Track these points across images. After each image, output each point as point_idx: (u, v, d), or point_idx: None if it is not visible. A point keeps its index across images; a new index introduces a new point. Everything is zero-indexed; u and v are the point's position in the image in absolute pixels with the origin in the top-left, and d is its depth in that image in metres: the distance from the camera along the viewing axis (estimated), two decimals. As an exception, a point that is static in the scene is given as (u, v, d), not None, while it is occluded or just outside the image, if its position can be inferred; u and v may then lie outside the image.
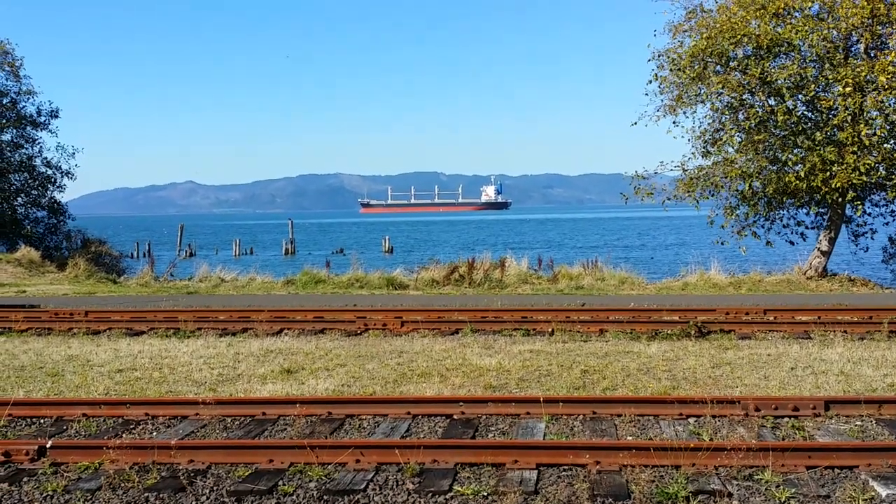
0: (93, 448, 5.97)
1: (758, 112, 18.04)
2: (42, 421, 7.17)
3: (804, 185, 18.01)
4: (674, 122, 19.97)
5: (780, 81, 17.75)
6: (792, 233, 20.08)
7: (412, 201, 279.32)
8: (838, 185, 17.51)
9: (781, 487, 5.10)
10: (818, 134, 17.71)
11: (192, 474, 5.60)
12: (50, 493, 5.35)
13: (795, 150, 18.21)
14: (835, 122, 17.56)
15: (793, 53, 17.98)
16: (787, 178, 17.97)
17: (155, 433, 6.77)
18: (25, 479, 5.62)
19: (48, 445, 6.00)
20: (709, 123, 19.38)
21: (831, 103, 17.73)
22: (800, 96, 18.29)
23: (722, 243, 19.95)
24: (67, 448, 6.02)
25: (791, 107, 18.12)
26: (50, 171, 30.75)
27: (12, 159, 30.21)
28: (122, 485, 5.41)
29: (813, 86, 17.73)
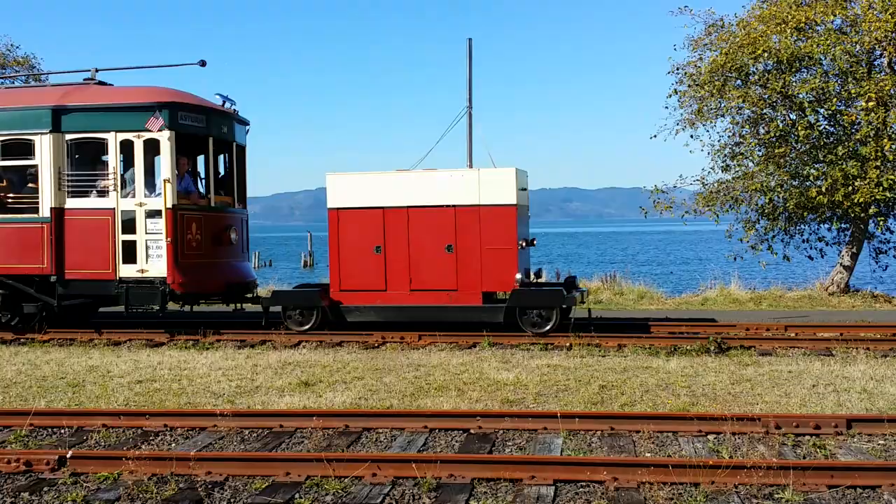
0: (112, 459, 6.02)
1: (778, 126, 17.93)
2: (62, 431, 7.24)
3: (826, 200, 17.85)
4: (692, 136, 19.83)
5: (801, 95, 17.64)
6: (811, 248, 19.89)
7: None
8: (861, 200, 17.33)
9: (802, 507, 5.04)
10: (840, 148, 17.56)
11: (209, 486, 5.62)
12: (70, 502, 5.40)
13: (817, 165, 18.06)
14: (857, 137, 17.40)
15: (814, 67, 17.87)
16: (809, 193, 17.82)
17: (173, 444, 6.81)
18: (46, 488, 5.67)
19: (68, 455, 6.06)
20: (728, 137, 19.29)
21: (854, 118, 17.58)
22: (821, 110, 18.14)
23: (735, 259, 19.78)
24: (87, 458, 6.07)
25: (813, 121, 17.99)
26: None
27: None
28: (141, 495, 5.44)
29: (835, 100, 17.59)
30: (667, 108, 19.75)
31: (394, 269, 12.45)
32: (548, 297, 12.06)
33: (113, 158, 12.75)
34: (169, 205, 12.34)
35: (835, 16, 18.12)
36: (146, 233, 12.49)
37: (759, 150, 18.76)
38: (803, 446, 6.40)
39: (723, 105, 18.60)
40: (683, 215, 19.81)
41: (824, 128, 18.45)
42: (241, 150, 14.17)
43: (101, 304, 14.31)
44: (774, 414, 6.98)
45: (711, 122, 19.18)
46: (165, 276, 12.31)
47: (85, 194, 12.78)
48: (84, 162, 13.16)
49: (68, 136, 12.70)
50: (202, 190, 13.53)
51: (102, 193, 12.72)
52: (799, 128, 17.75)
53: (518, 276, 12.11)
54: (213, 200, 13.30)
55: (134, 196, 12.60)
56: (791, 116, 18.22)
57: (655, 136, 19.51)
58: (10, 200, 12.99)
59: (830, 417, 6.81)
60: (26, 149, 12.82)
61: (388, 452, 6.36)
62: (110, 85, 13.74)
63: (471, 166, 15.39)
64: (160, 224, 12.41)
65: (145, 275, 12.44)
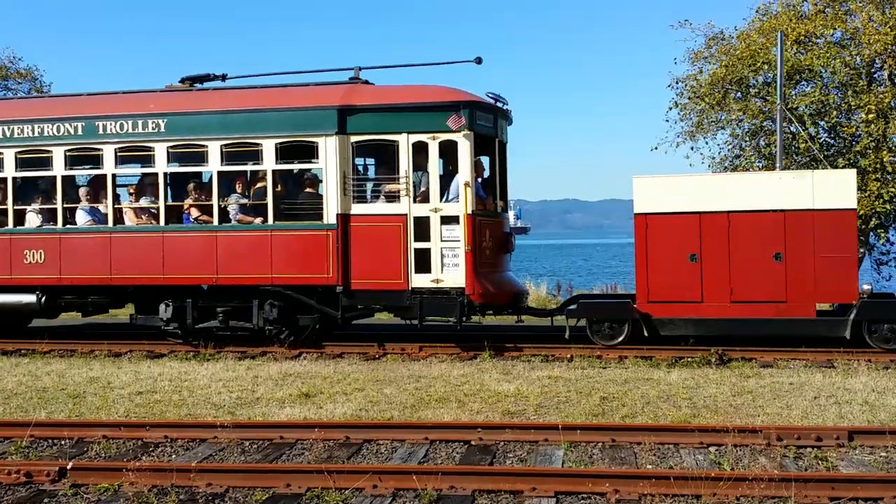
0: (113, 470, 6.02)
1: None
2: (63, 442, 7.23)
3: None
4: (692, 149, 19.91)
5: (801, 108, 17.70)
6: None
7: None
8: (861, 212, 17.35)
9: (804, 519, 5.02)
10: (840, 160, 17.59)
11: (210, 498, 5.61)
12: (69, 514, 5.38)
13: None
14: (857, 149, 17.45)
15: (814, 80, 17.94)
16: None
17: (174, 456, 6.80)
18: (46, 500, 5.67)
19: (69, 467, 6.06)
20: (728, 150, 19.34)
21: (854, 130, 17.63)
22: (822, 123, 18.21)
23: None
24: (88, 470, 6.07)
25: (813, 133, 18.05)
26: None
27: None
28: (141, 507, 5.43)
29: (835, 112, 17.65)
30: (667, 120, 19.83)
31: (711, 279, 11.43)
32: None
33: (404, 161, 11.75)
34: (469, 210, 11.47)
35: (834, 29, 18.20)
36: (441, 240, 11.60)
37: (759, 163, 18.80)
38: (805, 458, 6.39)
39: (723, 118, 18.67)
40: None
41: (824, 140, 18.50)
42: (505, 150, 13.16)
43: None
44: (776, 426, 6.97)
45: (712, 134, 19.25)
46: (463, 286, 11.44)
47: (372, 199, 12.03)
48: (368, 165, 12.68)
49: (354, 138, 11.89)
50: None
51: (392, 198, 11.86)
52: (799, 140, 17.80)
53: (867, 286, 11.40)
54: (498, 206, 12.61)
55: (428, 201, 11.74)
56: (791, 129, 18.26)
57: (656, 148, 19.58)
58: (286, 207, 12.21)
59: (832, 429, 6.79)
60: (308, 151, 12.07)
61: (388, 464, 6.35)
62: (372, 84, 12.83)
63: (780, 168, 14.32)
64: (457, 231, 11.55)
65: (440, 285, 11.56)
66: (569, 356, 11.23)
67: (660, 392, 8.95)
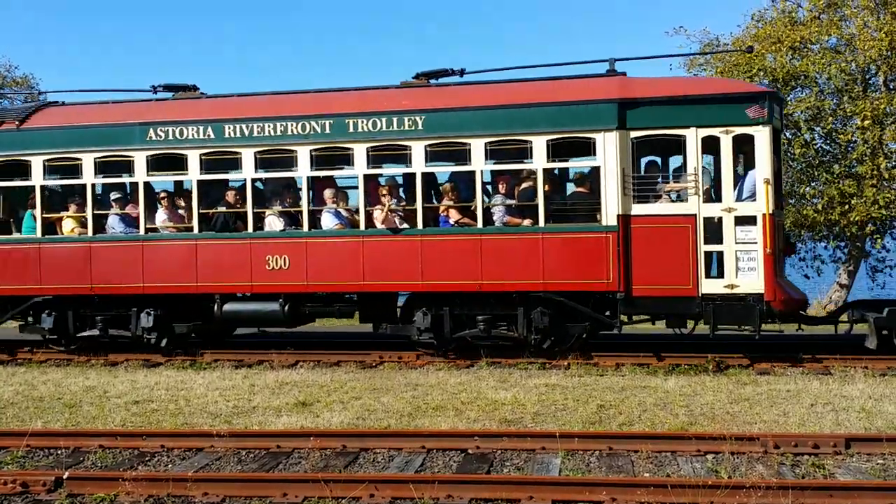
0: (109, 480, 6.01)
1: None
2: (59, 452, 7.21)
3: (822, 219, 17.91)
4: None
5: (797, 114, 17.76)
6: (808, 267, 19.93)
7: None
8: (857, 218, 17.40)
9: (801, 527, 5.02)
10: (836, 167, 17.66)
11: (206, 508, 5.60)
12: (65, 525, 5.37)
13: (813, 184, 18.16)
14: (853, 156, 17.51)
15: (810, 86, 18.01)
16: (806, 212, 17.89)
17: (170, 465, 6.79)
18: (41, 510, 5.65)
19: (65, 477, 6.04)
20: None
21: (850, 136, 17.69)
22: (817, 129, 18.27)
23: None
24: (84, 479, 6.06)
25: (808, 139, 18.11)
26: None
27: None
28: (137, 518, 5.42)
29: (831, 118, 17.72)
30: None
31: None
32: None
33: (692, 157, 10.85)
34: (769, 210, 10.54)
35: (830, 35, 18.28)
36: (735, 242, 10.69)
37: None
38: (802, 466, 6.39)
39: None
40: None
41: (820, 146, 18.57)
42: (780, 142, 12.13)
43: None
44: (773, 433, 6.97)
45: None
46: (761, 291, 10.54)
47: (653, 199, 11.07)
48: (644, 161, 11.70)
49: (634, 133, 10.96)
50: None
51: (675, 197, 11.03)
52: (795, 146, 17.86)
53: None
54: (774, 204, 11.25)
55: (718, 200, 10.88)
56: (787, 135, 18.32)
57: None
58: (555, 208, 11.34)
59: (829, 437, 6.80)
60: (583, 148, 11.33)
61: (385, 473, 6.34)
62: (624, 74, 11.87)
63: None
64: (753, 232, 10.61)
65: (734, 290, 10.64)
66: (566, 364, 11.23)
67: (657, 400, 8.95)
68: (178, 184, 13.18)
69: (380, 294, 11.95)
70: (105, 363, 12.35)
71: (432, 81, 12.44)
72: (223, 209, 12.17)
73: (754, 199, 10.72)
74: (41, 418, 8.64)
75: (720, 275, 10.76)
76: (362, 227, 11.68)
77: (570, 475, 6.18)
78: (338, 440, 7.13)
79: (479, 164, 11.37)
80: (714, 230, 10.76)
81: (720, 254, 10.79)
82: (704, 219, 10.76)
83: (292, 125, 11.85)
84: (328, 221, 11.89)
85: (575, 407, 8.65)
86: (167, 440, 7.28)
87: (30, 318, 13.05)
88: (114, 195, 12.58)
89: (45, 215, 12.64)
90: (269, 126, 11.91)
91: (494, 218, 11.46)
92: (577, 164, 11.71)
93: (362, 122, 11.65)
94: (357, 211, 11.80)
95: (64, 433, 7.57)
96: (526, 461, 6.63)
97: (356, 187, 11.87)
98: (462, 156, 11.56)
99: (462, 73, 12.36)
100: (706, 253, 10.75)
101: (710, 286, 10.73)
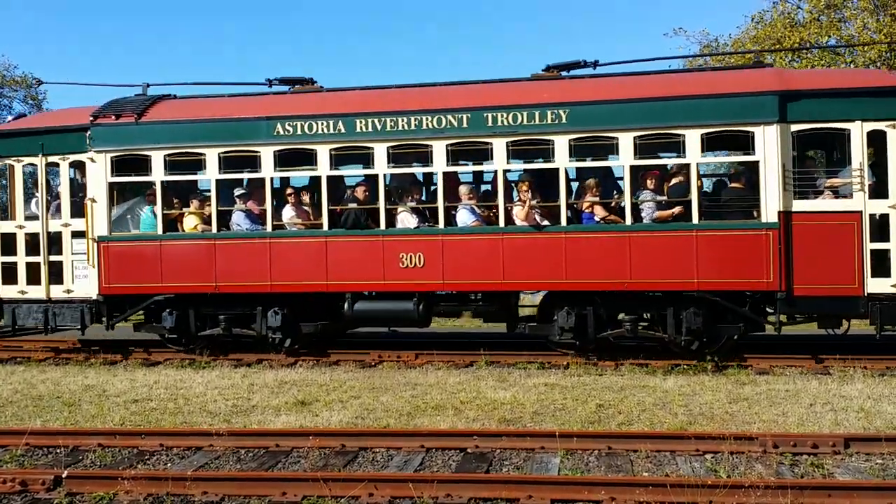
0: (108, 479, 6.01)
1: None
2: (58, 451, 7.21)
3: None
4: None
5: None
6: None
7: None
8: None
9: (800, 526, 5.02)
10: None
11: (205, 506, 5.59)
12: (64, 523, 5.36)
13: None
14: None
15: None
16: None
17: (169, 464, 6.79)
18: (40, 509, 5.64)
19: (64, 475, 6.04)
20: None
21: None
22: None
23: None
24: (83, 478, 6.06)
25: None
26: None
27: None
28: (136, 516, 5.41)
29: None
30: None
31: None
32: None
33: (857, 151, 10.49)
34: None
35: (829, 36, 18.33)
36: None
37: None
38: (801, 465, 6.39)
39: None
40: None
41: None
42: None
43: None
44: (772, 433, 6.98)
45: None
46: None
47: (812, 195, 10.68)
48: (807, 156, 11.38)
49: (795, 127, 10.58)
50: None
51: (837, 193, 10.68)
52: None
53: None
54: None
55: (884, 196, 10.49)
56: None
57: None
58: (709, 204, 11.04)
59: (828, 436, 6.80)
60: (740, 142, 10.98)
61: (384, 472, 6.34)
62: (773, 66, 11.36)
63: None
64: None
65: None
66: (565, 363, 11.23)
67: (656, 399, 8.96)
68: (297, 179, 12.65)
69: (512, 293, 11.74)
70: (104, 362, 12.34)
71: (563, 74, 12.14)
72: (353, 205, 11.79)
73: None
74: (40, 417, 8.64)
75: (888, 274, 10.44)
76: (501, 223, 11.31)
77: (569, 474, 6.19)
78: (337, 439, 7.13)
79: (628, 159, 10.96)
80: (881, 227, 10.47)
81: (887, 252, 10.47)
82: (870, 216, 10.46)
83: (427, 119, 11.49)
84: (464, 218, 11.52)
85: (574, 406, 8.66)
86: (166, 439, 7.28)
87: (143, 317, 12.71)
88: (238, 191, 12.25)
89: (165, 212, 12.20)
90: (402, 120, 11.54)
91: (643, 214, 11.11)
92: (737, 159, 11.20)
93: (502, 115, 11.27)
94: (491, 207, 11.49)
95: (63, 432, 7.57)
96: (525, 460, 6.63)
97: (487, 183, 11.42)
98: (606, 150, 11.22)
99: (595, 64, 12.08)
100: (874, 251, 10.43)
101: (876, 285, 10.43)
